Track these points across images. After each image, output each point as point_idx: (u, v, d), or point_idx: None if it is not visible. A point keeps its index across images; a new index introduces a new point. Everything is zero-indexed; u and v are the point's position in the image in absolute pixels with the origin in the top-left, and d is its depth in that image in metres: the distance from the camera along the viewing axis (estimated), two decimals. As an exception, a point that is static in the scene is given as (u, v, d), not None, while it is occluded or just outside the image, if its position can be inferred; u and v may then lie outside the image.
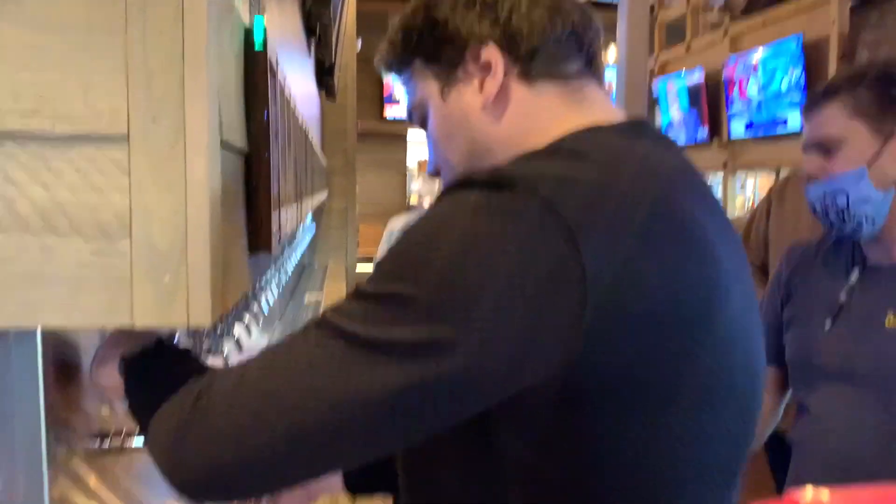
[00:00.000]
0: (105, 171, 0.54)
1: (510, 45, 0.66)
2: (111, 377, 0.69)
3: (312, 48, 2.52)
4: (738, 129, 4.59)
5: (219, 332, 1.38)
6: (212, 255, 0.56)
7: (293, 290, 3.68)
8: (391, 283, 0.55)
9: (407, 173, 9.11)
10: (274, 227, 0.80)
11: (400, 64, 0.72)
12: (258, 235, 0.77)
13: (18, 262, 0.53)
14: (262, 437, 0.54)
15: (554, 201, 0.53)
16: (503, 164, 0.58)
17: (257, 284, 2.05)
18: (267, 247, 0.78)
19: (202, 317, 0.55)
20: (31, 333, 0.66)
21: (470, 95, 0.68)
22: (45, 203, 0.53)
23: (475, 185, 0.56)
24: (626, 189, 0.57)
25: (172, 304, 0.55)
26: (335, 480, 0.90)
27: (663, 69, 5.71)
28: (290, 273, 2.94)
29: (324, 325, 0.56)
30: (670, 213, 0.58)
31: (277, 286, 2.26)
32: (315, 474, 0.58)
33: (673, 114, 5.42)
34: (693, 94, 5.06)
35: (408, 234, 0.58)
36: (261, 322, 1.77)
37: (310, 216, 4.41)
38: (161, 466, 0.58)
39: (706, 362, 0.58)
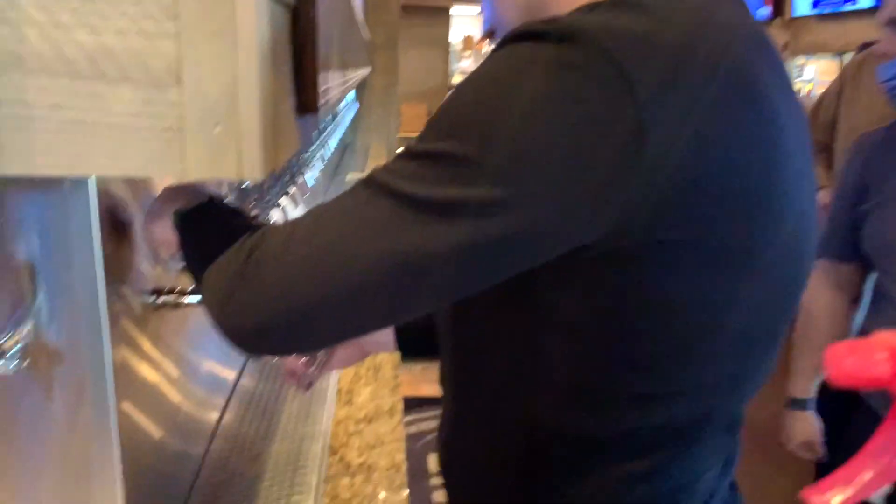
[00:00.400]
0: (153, 15, 0.52)
1: None
2: (164, 232, 0.70)
3: None
4: (803, 6, 4.32)
5: (265, 202, 1.39)
6: (262, 106, 0.54)
7: (335, 168, 3.68)
8: (446, 140, 0.53)
9: (450, 50, 8.84)
10: (321, 88, 0.78)
11: None
12: (305, 96, 0.75)
13: (69, 108, 0.53)
14: (311, 292, 0.54)
15: (614, 54, 0.50)
16: (565, 16, 0.55)
17: (302, 156, 2.05)
18: (314, 108, 0.76)
19: (254, 170, 0.55)
20: (84, 183, 0.66)
21: None
22: (92, 47, 0.52)
23: (536, 37, 0.52)
24: (699, 49, 0.53)
25: (224, 156, 0.54)
26: (388, 339, 0.93)
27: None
28: (332, 150, 2.92)
29: (373, 183, 0.55)
30: (741, 79, 0.55)
31: (321, 160, 2.25)
32: (361, 331, 0.58)
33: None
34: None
35: (463, 90, 0.55)
36: (305, 196, 1.77)
37: (353, 93, 4.34)
38: (215, 320, 0.59)
39: (757, 230, 0.56)
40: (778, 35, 4.82)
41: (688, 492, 0.62)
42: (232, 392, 1.29)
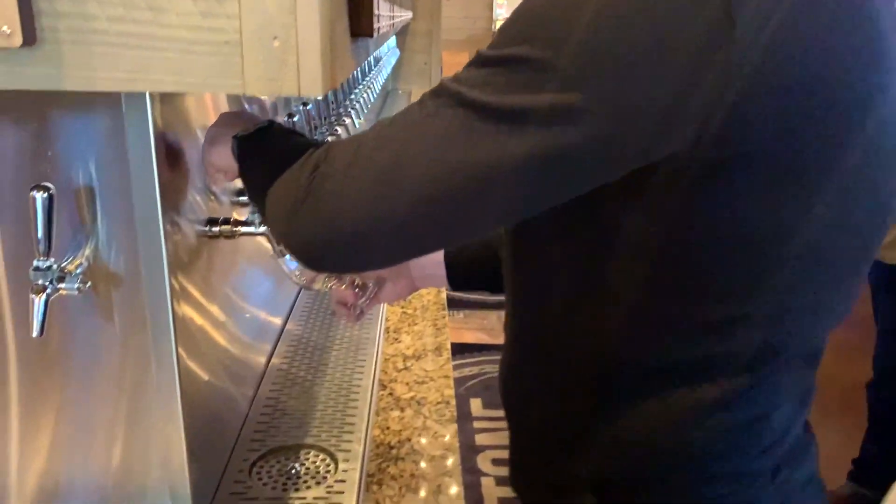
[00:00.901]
0: (210, -79, 0.50)
1: None
2: (223, 157, 0.69)
3: None
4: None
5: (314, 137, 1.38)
6: (321, 21, 0.53)
7: (378, 115, 3.65)
8: (513, 45, 0.51)
9: (493, -3, 8.65)
10: (377, 11, 0.76)
11: None
12: (361, 19, 0.73)
13: (127, 21, 0.52)
14: (378, 204, 0.53)
15: None
16: None
17: (347, 98, 2.03)
18: (369, 32, 0.74)
19: (313, 86, 0.54)
20: (143, 106, 0.66)
21: None
22: (151, -43, 0.51)
23: None
24: None
25: (283, 70, 0.53)
26: (440, 274, 0.92)
27: None
28: (375, 95, 2.90)
29: (442, 93, 0.53)
30: None
31: (366, 105, 2.23)
32: (425, 246, 0.57)
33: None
34: None
35: None
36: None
37: (394, 40, 4.29)
38: (280, 237, 0.59)
39: (837, 146, 0.53)
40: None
41: (762, 424, 0.60)
42: (284, 325, 1.31)
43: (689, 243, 0.54)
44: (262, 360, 1.15)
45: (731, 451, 0.59)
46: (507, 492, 2.38)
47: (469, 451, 2.46)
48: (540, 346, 0.65)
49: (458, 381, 2.96)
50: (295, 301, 1.42)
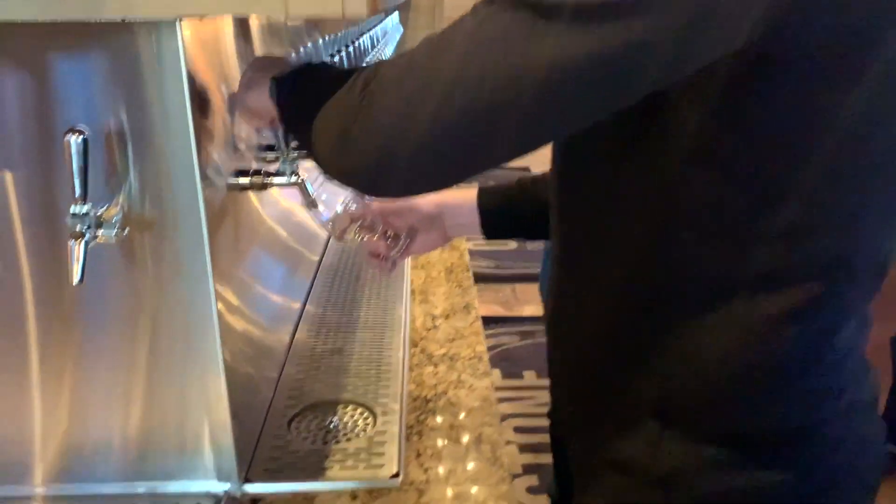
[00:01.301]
0: None
1: None
2: (260, 100, 0.68)
3: None
4: None
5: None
6: (363, -64, 0.51)
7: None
8: None
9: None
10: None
11: None
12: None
13: (166, -58, 0.51)
14: (435, 116, 0.51)
15: None
16: None
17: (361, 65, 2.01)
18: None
19: (358, 7, 0.52)
20: (173, 35, 0.64)
21: None
22: None
23: None
24: None
25: (326, -11, 0.51)
26: (473, 223, 0.91)
27: None
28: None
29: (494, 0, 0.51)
30: None
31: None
32: (490, 160, 0.54)
33: None
34: None
35: None
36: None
37: (397, 15, 4.26)
38: (330, 163, 0.57)
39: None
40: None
41: (829, 339, 0.59)
42: (311, 285, 1.30)
43: (756, 145, 0.53)
44: (292, 319, 1.15)
45: (799, 368, 0.58)
46: (531, 458, 2.38)
47: (490, 421, 2.46)
48: (600, 268, 0.62)
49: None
50: (320, 262, 1.41)
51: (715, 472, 0.58)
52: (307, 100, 0.60)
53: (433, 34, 0.55)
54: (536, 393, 2.55)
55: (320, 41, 1.31)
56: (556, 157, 0.64)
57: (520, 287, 3.43)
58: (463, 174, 0.55)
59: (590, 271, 0.63)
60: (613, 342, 0.62)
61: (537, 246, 3.89)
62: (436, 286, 1.35)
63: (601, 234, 0.61)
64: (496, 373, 2.76)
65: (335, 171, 0.58)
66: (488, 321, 3.12)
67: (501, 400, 2.58)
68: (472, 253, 1.76)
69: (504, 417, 2.48)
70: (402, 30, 4.54)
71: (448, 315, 1.23)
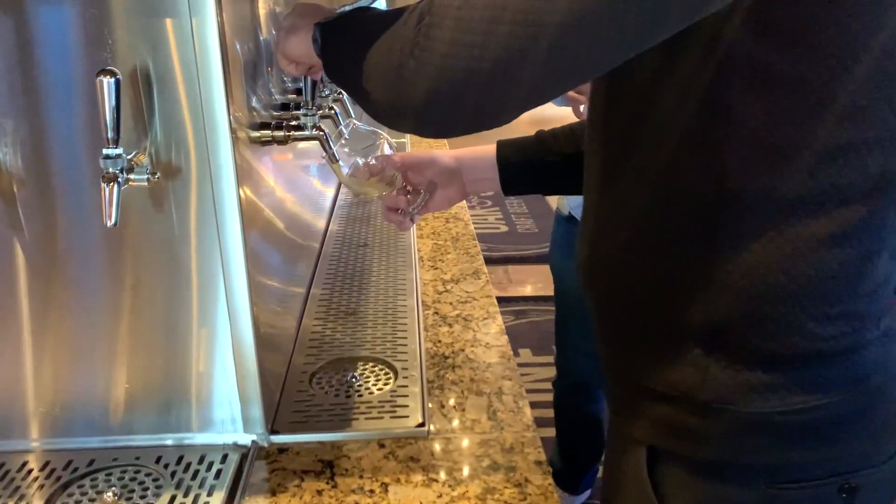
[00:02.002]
0: None
1: None
2: (301, 46, 0.68)
3: None
4: None
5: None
6: None
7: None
8: None
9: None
10: None
11: None
12: None
13: None
14: (501, 39, 0.50)
15: None
16: None
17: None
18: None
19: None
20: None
21: None
22: None
23: None
24: None
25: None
26: (492, 178, 0.91)
27: None
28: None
29: None
30: None
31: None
32: (557, 86, 0.53)
33: None
34: None
35: None
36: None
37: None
38: (386, 100, 0.56)
39: None
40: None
41: (871, 264, 0.59)
42: (320, 250, 1.30)
43: (796, 57, 0.53)
44: (306, 281, 1.15)
45: (842, 290, 0.59)
46: (538, 433, 2.40)
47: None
48: (644, 196, 0.62)
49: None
50: (326, 229, 1.41)
51: (760, 395, 0.59)
52: (353, 44, 0.60)
53: None
54: (534, 370, 2.56)
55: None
56: (601, 78, 0.63)
57: (513, 268, 3.44)
58: (529, 105, 0.54)
59: (632, 198, 0.63)
60: (654, 270, 0.62)
61: (529, 228, 3.90)
62: (444, 253, 1.36)
63: (645, 157, 0.61)
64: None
65: (390, 109, 0.57)
66: (512, 300, 3.13)
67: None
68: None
69: (502, 394, 2.48)
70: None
71: (458, 280, 1.24)
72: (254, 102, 0.83)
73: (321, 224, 1.40)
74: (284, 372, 0.92)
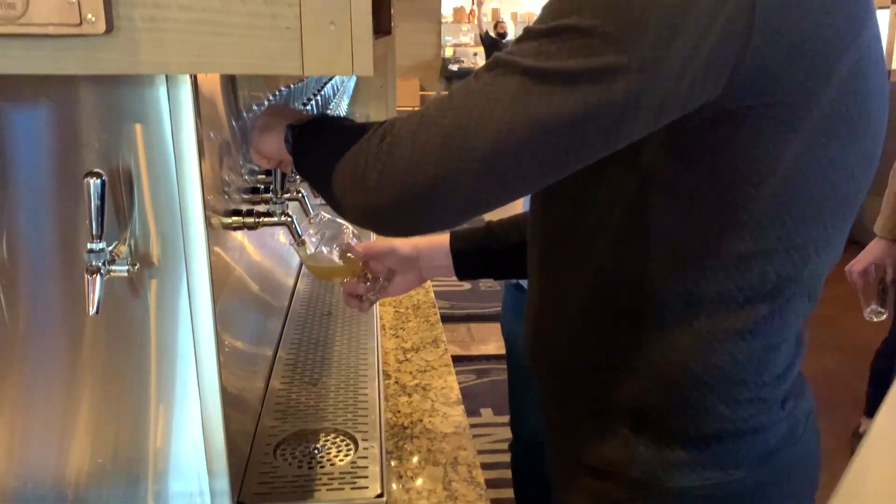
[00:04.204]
0: (273, -81, 0.57)
1: None
2: (273, 145, 0.75)
3: None
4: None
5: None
6: (370, 7, 0.59)
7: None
8: (561, 17, 0.57)
9: (441, 23, 8.83)
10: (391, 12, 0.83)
11: None
12: (380, 17, 0.80)
13: (197, 9, 0.57)
14: (445, 163, 0.59)
15: None
16: None
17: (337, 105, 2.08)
18: (387, 29, 0.81)
19: (365, 66, 0.60)
20: (184, 85, 0.70)
21: None
22: (219, -48, 0.57)
23: None
24: None
25: (338, 52, 0.59)
26: (447, 265, 0.98)
27: None
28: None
29: (497, 65, 0.59)
30: None
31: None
32: (490, 201, 0.62)
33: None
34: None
35: None
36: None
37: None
38: (350, 202, 0.65)
39: (850, 97, 0.62)
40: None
41: (774, 354, 0.68)
42: (284, 321, 1.35)
43: (722, 183, 0.61)
44: (270, 352, 1.19)
45: (749, 378, 0.67)
46: (492, 494, 2.42)
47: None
48: (575, 289, 0.70)
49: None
50: (291, 298, 1.46)
51: (681, 472, 0.66)
52: (323, 149, 0.68)
53: (442, 96, 0.63)
54: (494, 430, 2.60)
55: (292, 86, 1.39)
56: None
57: (475, 326, 3.50)
58: (468, 216, 0.62)
59: (567, 286, 0.71)
60: (587, 354, 0.70)
61: (492, 286, 3.98)
62: (405, 321, 1.42)
63: (578, 250, 0.69)
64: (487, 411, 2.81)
65: (353, 209, 0.65)
66: (473, 359, 3.18)
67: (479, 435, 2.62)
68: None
69: (463, 454, 2.51)
70: (355, 78, 4.66)
71: (418, 348, 1.30)
72: (225, 188, 0.89)
73: (290, 282, 1.45)
74: (250, 442, 0.97)
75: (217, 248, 0.87)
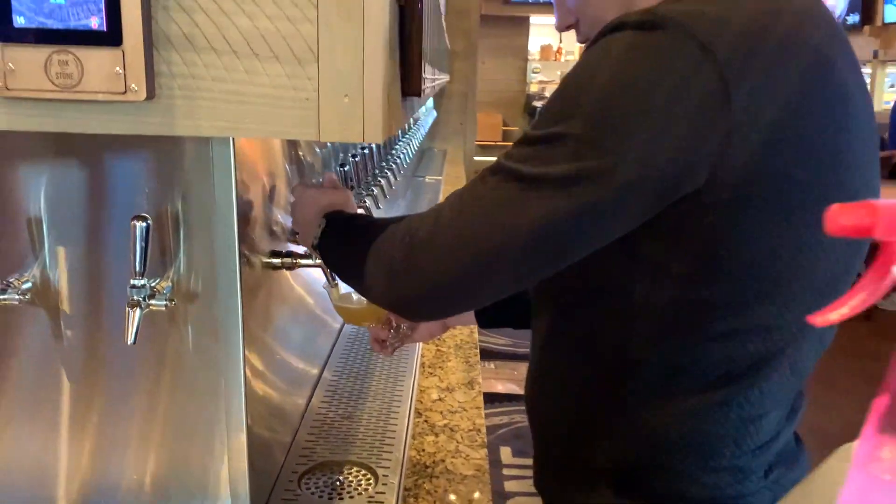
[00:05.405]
0: (298, 3, 0.63)
1: None
2: (308, 223, 0.86)
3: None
4: (894, 13, 4.22)
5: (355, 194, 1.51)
6: (384, 80, 0.65)
7: (414, 171, 3.82)
8: (552, 125, 0.63)
9: (528, 59, 8.93)
10: (423, 75, 0.88)
11: None
12: (410, 80, 0.85)
13: (228, 80, 0.64)
14: (461, 265, 0.66)
15: (701, 36, 0.58)
16: (654, 7, 0.63)
17: (389, 153, 2.17)
18: (417, 91, 0.86)
19: (376, 135, 0.65)
20: (227, 151, 0.78)
21: None
22: (249, 30, 0.63)
23: (628, 27, 0.61)
24: (774, 28, 0.61)
25: (351, 122, 0.65)
26: (469, 314, 1.02)
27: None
28: (412, 155, 3.05)
29: (498, 170, 0.66)
30: (819, 57, 0.63)
31: (403, 162, 2.38)
32: (505, 291, 0.69)
33: (820, -3, 5.02)
34: (845, -27, 4.65)
35: (566, 79, 0.64)
36: (387, 195, 1.90)
37: (431, 101, 4.46)
38: (382, 296, 0.74)
39: (832, 189, 0.64)
40: (867, 43, 4.71)
41: (755, 425, 0.69)
42: (330, 352, 1.41)
43: (706, 266, 0.64)
44: (315, 371, 1.26)
45: (729, 447, 0.68)
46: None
47: (498, 497, 2.51)
48: (567, 354, 0.75)
49: (489, 430, 3.01)
50: (339, 333, 1.52)
51: None
52: (347, 250, 0.79)
53: (454, 195, 0.69)
54: (511, 471, 2.60)
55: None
56: None
57: (510, 364, 3.50)
58: (485, 302, 0.72)
59: (562, 352, 0.75)
60: (579, 416, 0.73)
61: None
62: (444, 360, 1.46)
63: (572, 323, 0.73)
64: (506, 451, 2.81)
65: (381, 300, 0.74)
66: (503, 398, 3.19)
67: (509, 478, 2.62)
68: (490, 330, 1.82)
69: (510, 496, 2.52)
70: (435, 115, 4.78)
71: (452, 389, 1.33)
72: (267, 233, 0.96)
73: (335, 327, 1.51)
74: (277, 471, 1.02)
75: (262, 282, 0.94)
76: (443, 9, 3.17)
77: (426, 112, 4.05)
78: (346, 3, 0.63)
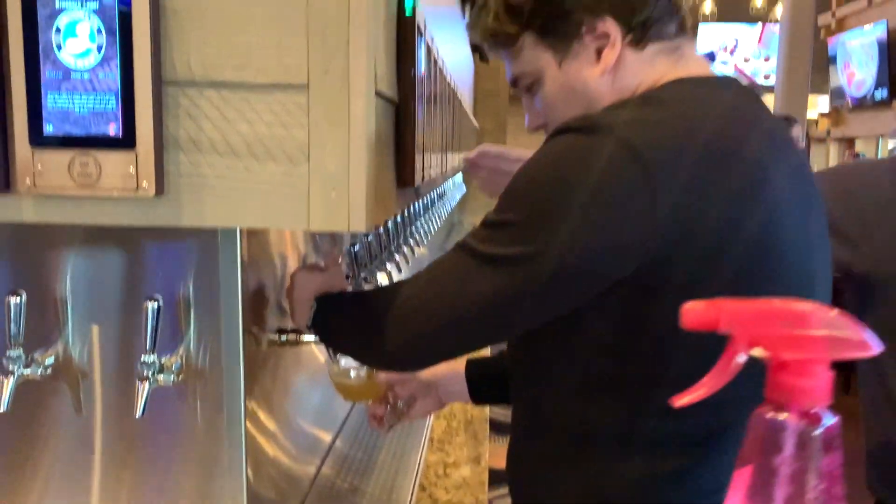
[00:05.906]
0: (291, 111, 0.71)
1: (624, 17, 0.75)
2: (303, 303, 0.92)
3: (466, 13, 2.66)
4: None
5: (374, 266, 1.58)
6: (367, 178, 0.72)
7: (442, 244, 3.91)
8: (506, 212, 0.71)
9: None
10: (417, 167, 0.96)
11: (507, 38, 0.82)
12: (404, 172, 0.93)
13: (229, 178, 0.72)
14: (425, 325, 0.76)
15: (629, 139, 0.65)
16: (597, 113, 0.70)
17: (408, 231, 2.25)
18: (410, 182, 0.94)
19: (359, 224, 0.72)
20: (233, 240, 0.85)
21: (588, 64, 0.78)
22: (249, 135, 0.71)
23: (570, 130, 0.69)
24: (700, 134, 0.68)
25: (338, 213, 0.71)
26: (463, 390, 1.07)
27: (841, 26, 5.35)
28: (439, 226, 3.14)
29: (460, 247, 0.74)
30: (736, 156, 0.69)
31: (426, 236, 2.46)
32: (463, 350, 0.78)
33: (849, 72, 5.09)
34: (874, 49, 4.72)
35: (518, 172, 0.72)
36: (410, 263, 1.97)
37: (460, 176, 4.59)
38: (367, 358, 0.85)
39: (757, 275, 0.69)
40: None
41: (710, 499, 0.71)
42: (344, 421, 1.45)
43: (639, 343, 0.69)
44: (321, 452, 1.30)
45: None
46: None
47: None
48: (533, 425, 0.80)
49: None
50: (350, 412, 1.57)
51: None
52: (334, 328, 0.88)
53: (424, 269, 0.77)
54: None
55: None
56: (509, 344, 0.84)
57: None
58: (452, 356, 0.82)
59: (523, 419, 0.80)
60: (537, 480, 0.79)
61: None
62: (453, 436, 1.49)
63: (536, 396, 0.79)
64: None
65: (370, 361, 0.84)
66: None
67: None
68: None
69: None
70: (464, 189, 4.91)
71: (459, 465, 1.36)
72: (275, 311, 1.03)
73: (344, 409, 1.56)
74: (279, 542, 1.06)
75: (269, 357, 1.00)
76: (468, 92, 3.30)
77: (455, 186, 4.17)
78: (334, 110, 0.71)
